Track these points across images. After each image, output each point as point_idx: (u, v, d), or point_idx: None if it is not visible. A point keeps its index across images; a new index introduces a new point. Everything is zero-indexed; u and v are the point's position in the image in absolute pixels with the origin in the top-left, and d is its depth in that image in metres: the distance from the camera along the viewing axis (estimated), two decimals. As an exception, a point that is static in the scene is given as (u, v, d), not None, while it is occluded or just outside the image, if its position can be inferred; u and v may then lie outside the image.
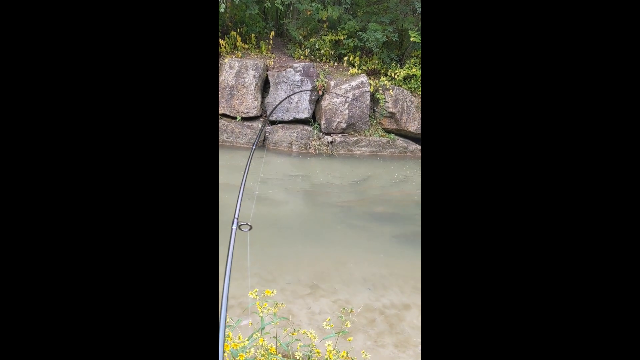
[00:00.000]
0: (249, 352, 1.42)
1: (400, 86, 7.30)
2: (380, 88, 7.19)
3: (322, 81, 6.99)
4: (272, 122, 7.06)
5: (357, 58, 7.50)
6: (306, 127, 7.02)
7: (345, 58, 7.48)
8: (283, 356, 1.59)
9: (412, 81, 7.35)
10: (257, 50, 7.43)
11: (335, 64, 7.61)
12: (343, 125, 6.97)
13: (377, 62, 7.49)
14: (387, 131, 7.33)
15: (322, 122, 6.97)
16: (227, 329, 1.45)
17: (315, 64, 7.28)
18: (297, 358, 1.50)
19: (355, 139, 7.06)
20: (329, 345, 1.46)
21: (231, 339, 1.39)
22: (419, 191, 5.47)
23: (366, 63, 7.52)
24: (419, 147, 7.39)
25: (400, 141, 7.28)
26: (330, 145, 6.96)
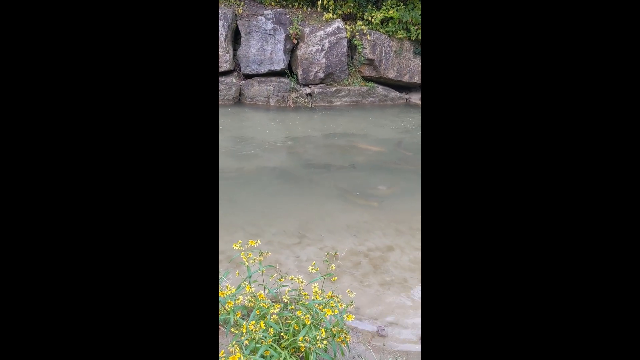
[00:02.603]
0: (238, 299, 1.45)
1: (378, 30, 7.02)
2: (357, 33, 6.90)
3: (295, 28, 6.63)
4: (247, 76, 6.77)
5: (332, 2, 7.09)
6: (283, 80, 6.77)
7: (319, 2, 7.07)
8: (272, 301, 1.64)
9: (390, 24, 7.05)
10: (224, -2, 6.91)
11: (309, 9, 7.19)
12: (321, 75, 6.75)
13: (352, 5, 7.11)
14: (367, 79, 7.15)
15: (299, 72, 6.72)
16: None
17: (287, 10, 6.86)
18: (285, 301, 1.55)
19: (335, 89, 6.88)
20: (315, 287, 1.51)
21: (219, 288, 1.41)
22: (399, 140, 5.48)
23: (341, 7, 7.13)
24: (399, 95, 7.29)
25: (380, 89, 7.15)
26: (309, 97, 6.78)
